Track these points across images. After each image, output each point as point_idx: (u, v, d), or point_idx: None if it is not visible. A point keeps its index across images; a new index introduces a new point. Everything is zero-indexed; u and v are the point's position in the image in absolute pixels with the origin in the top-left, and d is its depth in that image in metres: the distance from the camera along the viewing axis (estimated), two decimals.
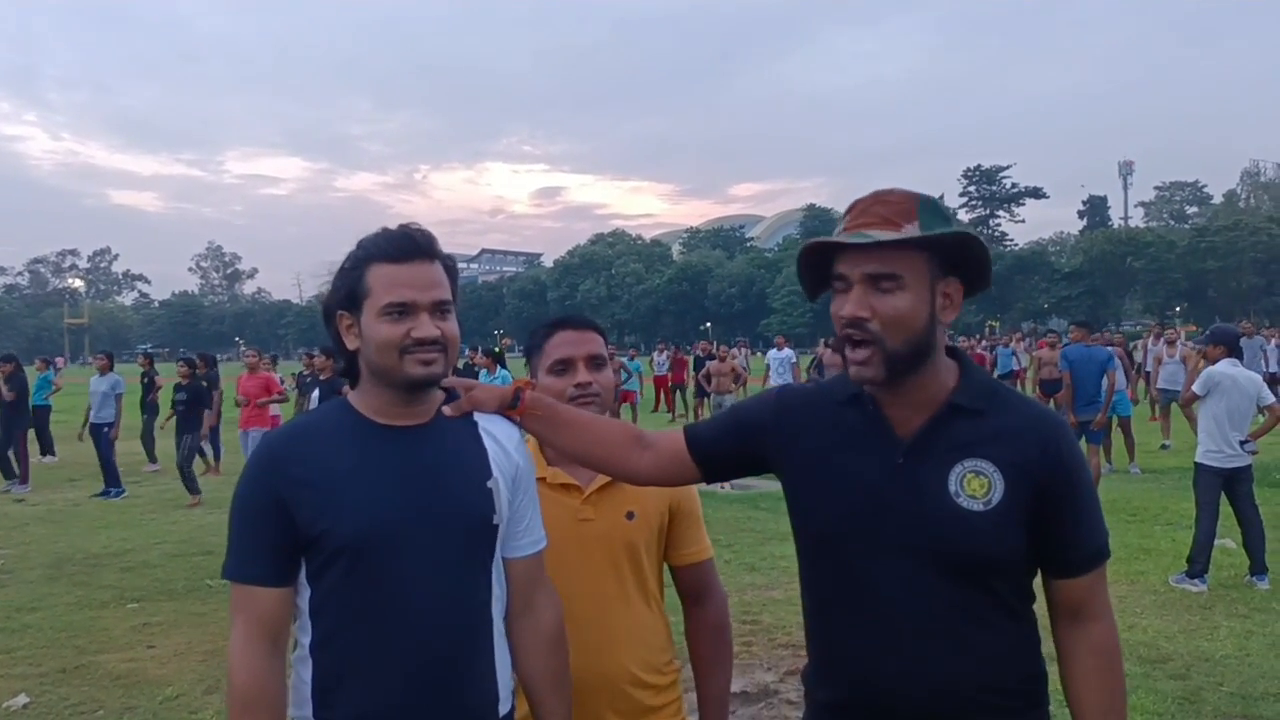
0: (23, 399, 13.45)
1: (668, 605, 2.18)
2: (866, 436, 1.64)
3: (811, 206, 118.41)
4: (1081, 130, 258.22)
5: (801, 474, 1.70)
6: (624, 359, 20.87)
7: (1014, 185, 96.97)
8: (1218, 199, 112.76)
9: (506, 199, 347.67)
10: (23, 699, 5.02)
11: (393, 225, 1.72)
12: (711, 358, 18.11)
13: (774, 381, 17.61)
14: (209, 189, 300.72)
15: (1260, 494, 7.09)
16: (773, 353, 19.08)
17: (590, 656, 1.98)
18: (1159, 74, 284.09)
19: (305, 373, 13.77)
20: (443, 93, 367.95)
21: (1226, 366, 6.81)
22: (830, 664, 1.70)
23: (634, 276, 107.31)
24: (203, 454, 13.34)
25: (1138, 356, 19.45)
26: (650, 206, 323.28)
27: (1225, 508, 6.79)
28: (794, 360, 18.56)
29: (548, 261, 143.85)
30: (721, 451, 1.80)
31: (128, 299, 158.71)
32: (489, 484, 1.72)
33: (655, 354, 23.53)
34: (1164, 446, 13.72)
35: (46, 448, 15.64)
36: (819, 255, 1.61)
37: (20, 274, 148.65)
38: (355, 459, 1.65)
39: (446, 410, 1.75)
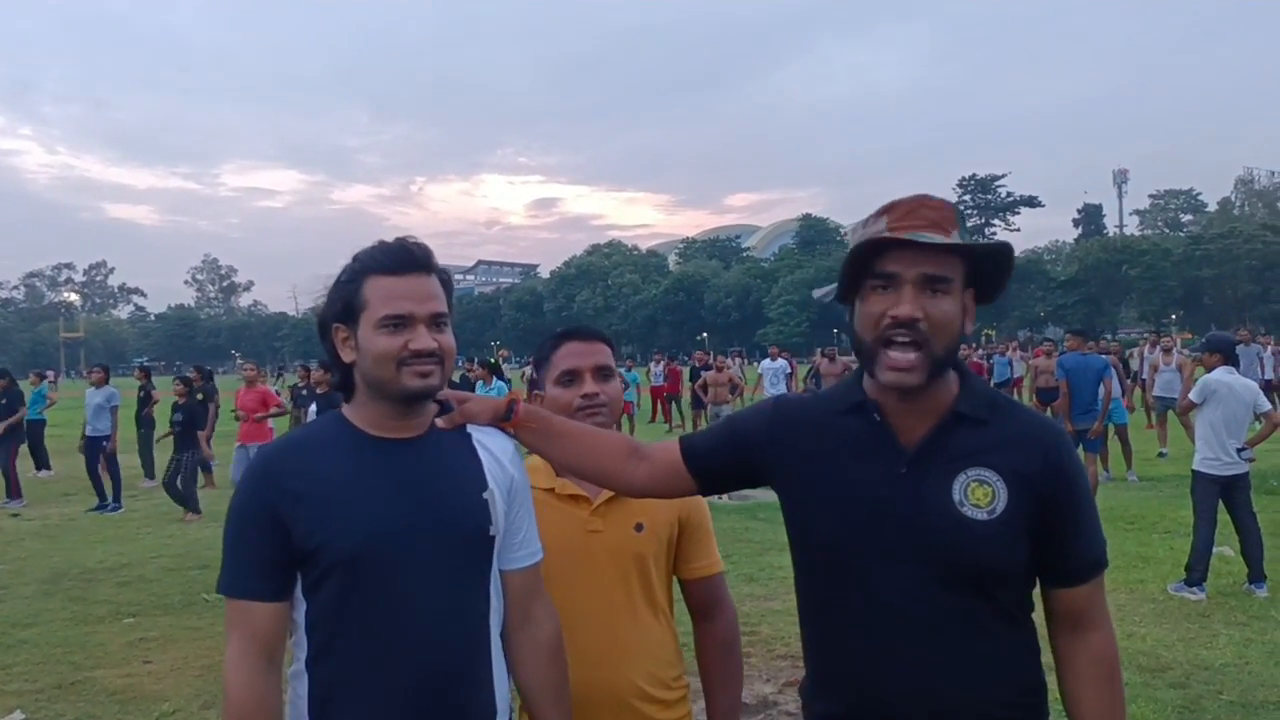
0: (16, 413, 13.40)
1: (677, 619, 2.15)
2: (869, 445, 1.63)
3: (807, 216, 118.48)
4: (1076, 139, 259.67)
5: (800, 485, 1.69)
6: (621, 369, 20.81)
7: (1009, 194, 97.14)
8: (1212, 207, 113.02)
9: (502, 210, 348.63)
10: (18, 715, 4.99)
11: (389, 237, 1.72)
12: (708, 368, 18.12)
13: (767, 391, 17.61)
14: (205, 202, 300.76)
15: (1258, 501, 7.09)
16: (766, 363, 19.08)
17: (597, 670, 1.97)
18: (1153, 82, 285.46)
19: (301, 386, 13.75)
20: (438, 105, 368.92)
21: (1223, 374, 6.82)
22: (830, 676, 1.69)
23: (630, 287, 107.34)
24: (208, 469, 13.30)
25: (1134, 365, 19.48)
26: (646, 217, 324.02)
27: (1223, 515, 6.79)
28: (788, 371, 18.54)
29: (544, 273, 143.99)
30: (717, 463, 1.79)
31: (124, 312, 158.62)
32: (484, 495, 1.71)
33: (652, 364, 23.52)
34: (1161, 454, 13.73)
35: (41, 462, 15.60)
36: (863, 253, 1.58)
37: (16, 288, 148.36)
38: (351, 472, 1.64)
39: (440, 422, 1.75)
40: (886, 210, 1.58)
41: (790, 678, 5.11)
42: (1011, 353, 25.04)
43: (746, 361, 36.67)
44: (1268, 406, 7.00)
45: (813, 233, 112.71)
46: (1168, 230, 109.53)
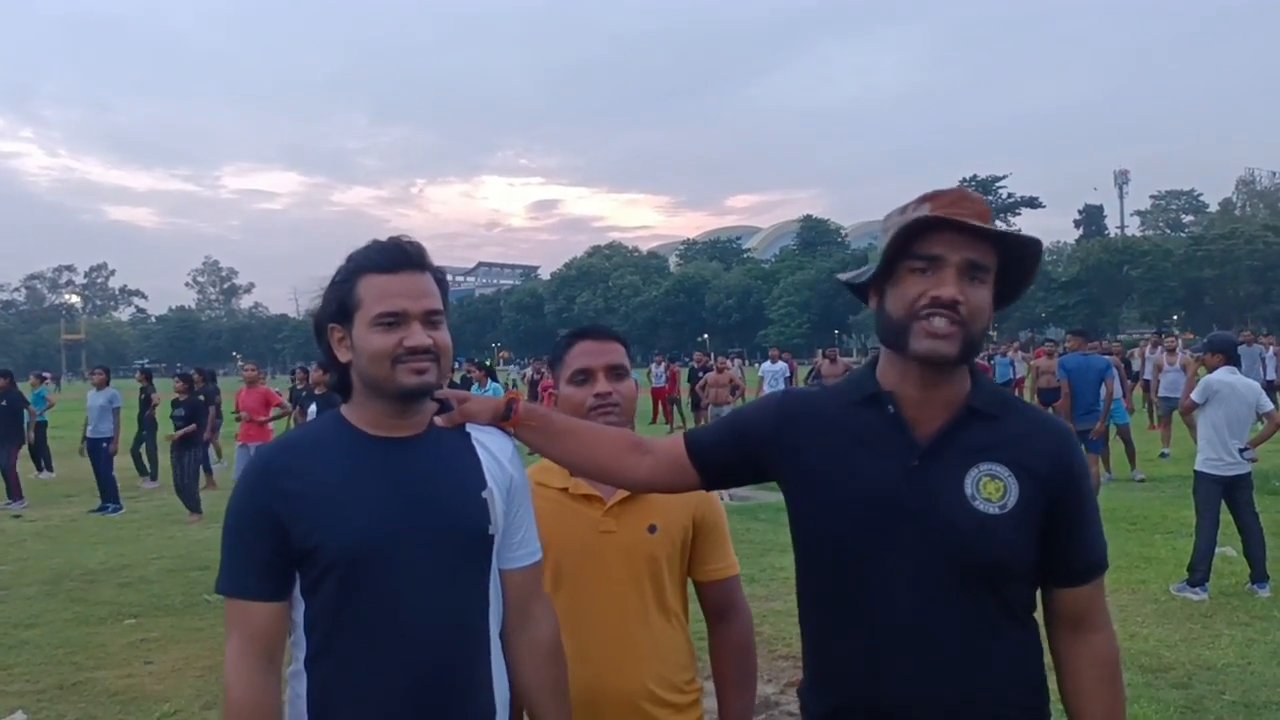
0: (17, 415, 13.41)
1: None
2: (882, 437, 1.61)
3: (808, 217, 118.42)
4: (1077, 140, 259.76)
5: (807, 479, 1.67)
6: None
7: (1010, 195, 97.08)
8: (1213, 207, 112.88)
9: (503, 212, 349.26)
10: (20, 716, 4.99)
11: (385, 239, 1.71)
12: (707, 369, 18.12)
13: (767, 393, 17.54)
14: (205, 204, 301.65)
15: (1260, 501, 7.08)
16: (766, 365, 19.05)
17: (608, 672, 1.96)
18: (1154, 83, 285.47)
19: (299, 387, 13.75)
20: (438, 107, 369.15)
21: (1225, 374, 6.81)
22: (830, 674, 1.68)
23: (631, 288, 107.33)
24: (208, 469, 13.30)
25: (1135, 365, 19.45)
26: (647, 219, 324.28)
27: (1225, 515, 6.78)
28: (788, 373, 18.51)
29: (545, 274, 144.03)
30: (722, 457, 1.77)
31: (125, 314, 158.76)
32: (483, 495, 1.71)
33: (653, 366, 23.53)
34: (1163, 455, 13.71)
35: (43, 464, 15.60)
36: (907, 235, 1.56)
37: (17, 290, 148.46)
38: (349, 472, 1.64)
39: (439, 421, 1.74)
40: (929, 198, 1.57)
41: (791, 678, 5.10)
42: (1013, 353, 25.00)
43: (746, 363, 36.67)
44: (1270, 407, 6.99)
45: (813, 234, 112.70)
46: (1169, 231, 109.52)
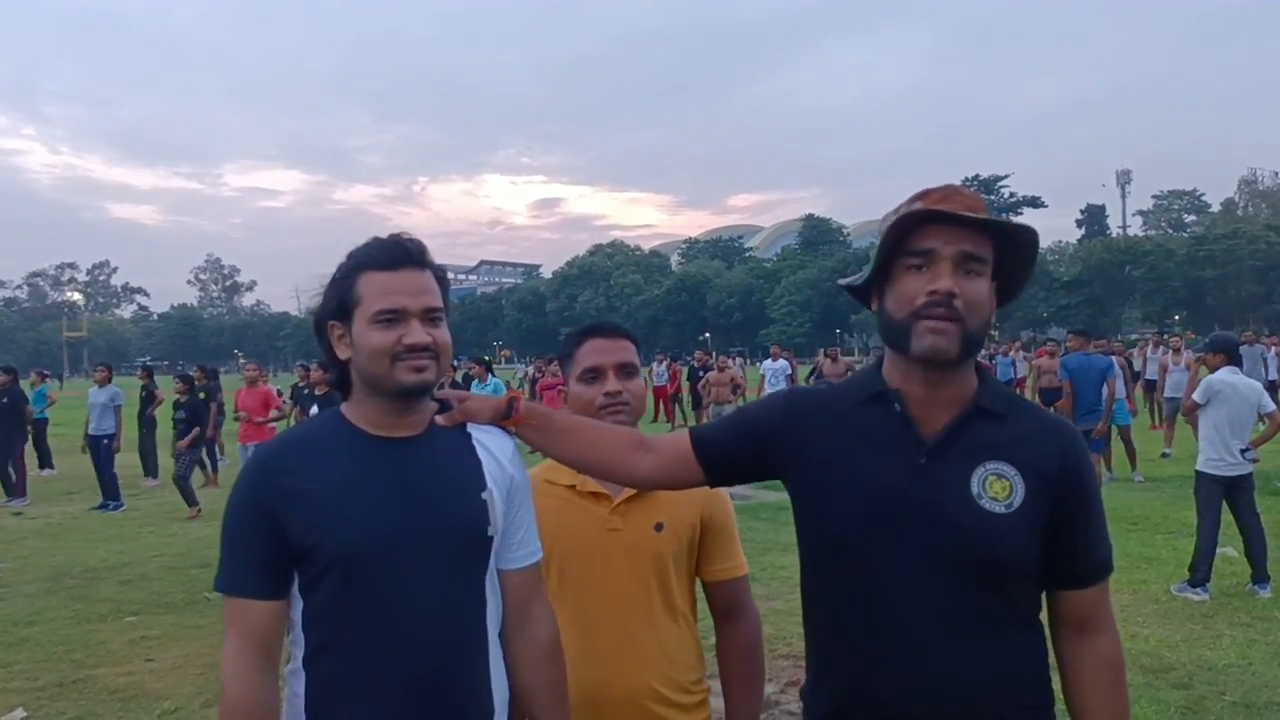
0: (19, 411, 13.42)
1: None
2: (888, 435, 1.61)
3: (810, 216, 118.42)
4: (1079, 139, 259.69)
5: (814, 476, 1.67)
6: None
7: (1012, 194, 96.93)
8: (1216, 207, 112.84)
9: (505, 211, 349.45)
10: (20, 713, 4.99)
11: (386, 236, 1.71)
12: (708, 369, 18.11)
13: (769, 392, 17.53)
14: (207, 202, 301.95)
15: (1261, 502, 7.07)
16: (767, 363, 19.03)
17: (613, 670, 1.95)
18: (1156, 83, 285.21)
19: (301, 385, 13.75)
20: (441, 105, 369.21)
21: (1226, 374, 6.80)
22: (833, 672, 1.67)
23: (633, 287, 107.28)
24: (202, 466, 13.31)
25: (1136, 365, 19.42)
26: (649, 217, 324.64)
27: (1226, 516, 6.78)
28: (789, 371, 18.49)
29: (546, 273, 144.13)
30: (728, 454, 1.76)
31: (127, 312, 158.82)
32: (483, 495, 1.70)
33: (655, 364, 23.53)
34: (1164, 455, 13.70)
35: (44, 461, 15.62)
36: (900, 231, 1.56)
37: (19, 287, 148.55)
38: (348, 471, 1.63)
39: (440, 420, 1.74)
40: (920, 196, 1.57)
41: (791, 677, 5.10)
42: (1014, 353, 24.98)
43: (748, 362, 36.64)
44: (1272, 407, 6.98)
45: (815, 233, 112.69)
46: (1171, 231, 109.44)
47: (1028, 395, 17.29)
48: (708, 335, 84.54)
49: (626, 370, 2.07)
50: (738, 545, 2.16)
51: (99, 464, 12.42)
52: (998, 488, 1.55)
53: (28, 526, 10.98)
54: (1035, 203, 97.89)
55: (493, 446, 1.77)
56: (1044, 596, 1.65)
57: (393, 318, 1.62)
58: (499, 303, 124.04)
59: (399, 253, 1.66)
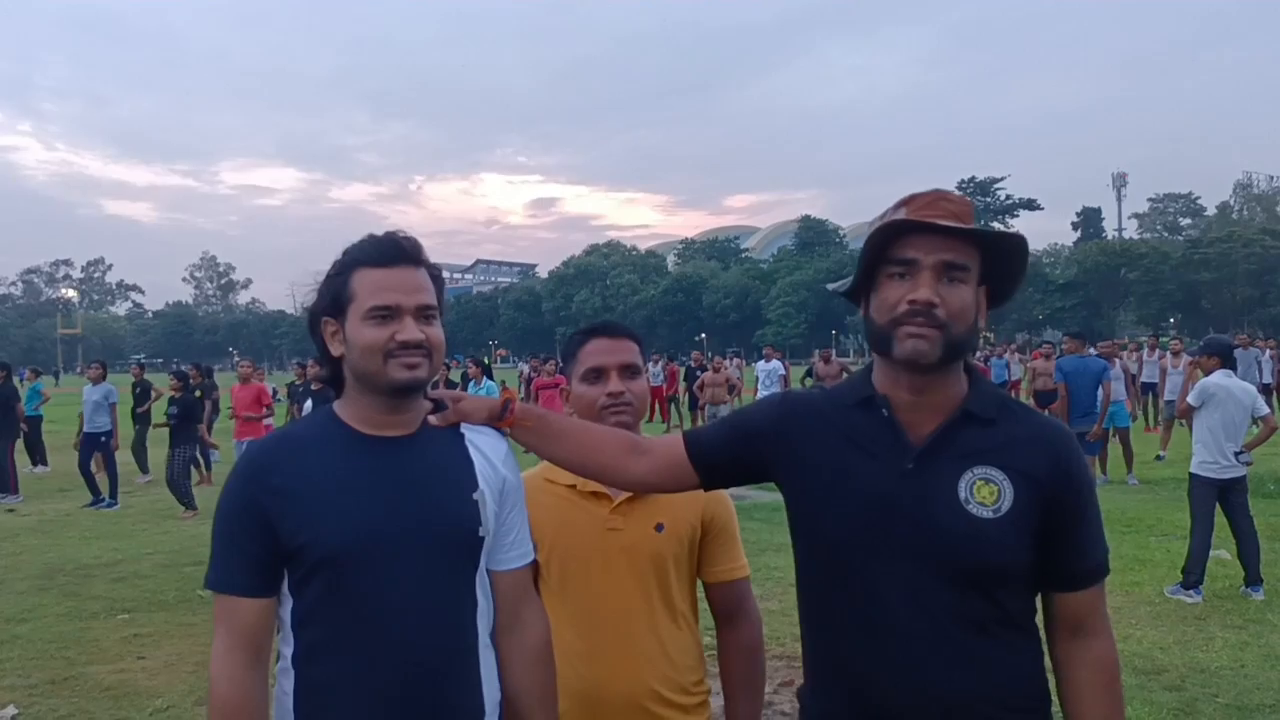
0: (11, 409, 13.39)
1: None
2: (876, 441, 1.61)
3: (806, 218, 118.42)
4: (1075, 142, 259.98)
5: (806, 480, 1.67)
6: None
7: (1008, 197, 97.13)
8: (1211, 211, 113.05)
9: (501, 210, 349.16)
10: (11, 710, 4.98)
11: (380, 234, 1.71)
12: (704, 369, 18.12)
13: (762, 394, 17.54)
14: (203, 199, 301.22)
15: (1255, 505, 7.10)
16: (760, 364, 19.04)
17: (612, 671, 1.94)
18: (1152, 87, 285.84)
19: (298, 382, 13.76)
20: (438, 105, 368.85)
21: (1221, 377, 6.82)
22: (830, 676, 1.67)
23: (629, 287, 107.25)
24: (197, 464, 13.29)
25: (1132, 368, 19.45)
26: (645, 218, 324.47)
27: (1220, 519, 6.79)
28: (782, 372, 18.50)
29: (543, 272, 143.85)
30: (722, 457, 1.76)
31: (121, 309, 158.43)
32: (475, 496, 1.70)
33: (650, 364, 23.50)
34: (1158, 457, 13.73)
35: (38, 458, 15.58)
36: (882, 239, 1.56)
37: (14, 284, 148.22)
38: (338, 470, 1.63)
39: (433, 420, 1.73)
40: (906, 202, 1.57)
41: (785, 678, 5.10)
42: (1009, 355, 25.02)
43: (745, 363, 36.59)
44: (1266, 410, 7.00)
45: (812, 234, 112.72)
46: (1166, 234, 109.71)
47: (1022, 398, 17.34)
48: (704, 336, 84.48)
49: (629, 371, 2.06)
50: (739, 547, 2.14)
51: (88, 462, 12.40)
52: (985, 493, 1.55)
53: (21, 523, 10.95)
54: (1031, 205, 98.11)
55: (485, 447, 1.77)
56: (1039, 599, 1.65)
57: (386, 314, 1.62)
58: (495, 302, 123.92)
59: (394, 250, 1.65)
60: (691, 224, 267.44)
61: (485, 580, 1.73)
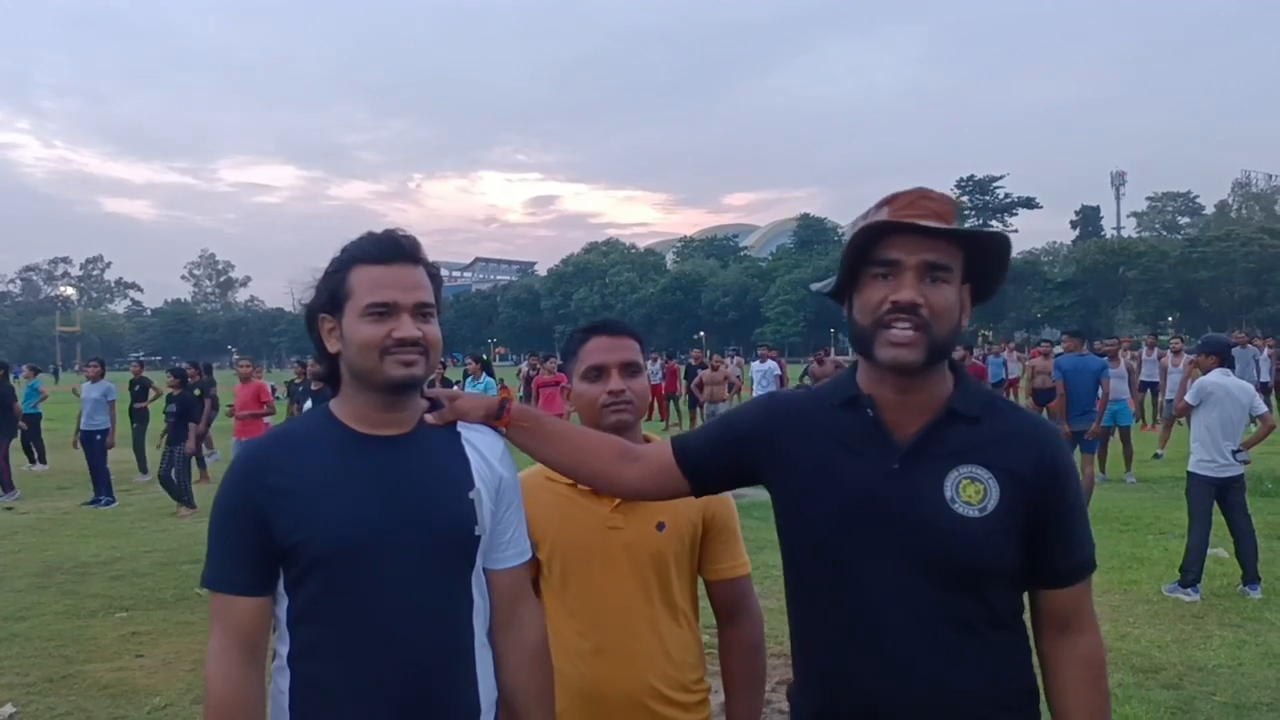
0: (8, 407, 13.38)
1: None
2: (862, 440, 1.61)
3: (805, 216, 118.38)
4: (1074, 141, 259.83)
5: (793, 480, 1.67)
6: None
7: (1007, 195, 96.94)
8: (1209, 210, 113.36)
9: (500, 208, 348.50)
10: (9, 708, 4.97)
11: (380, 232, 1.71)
12: (704, 367, 18.12)
13: (758, 394, 17.53)
14: (202, 197, 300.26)
15: (1252, 503, 7.10)
16: (756, 364, 19.05)
17: (612, 669, 1.94)
18: (1151, 85, 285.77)
19: (298, 381, 13.75)
20: (437, 102, 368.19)
21: (1219, 376, 6.83)
22: (817, 674, 1.68)
23: (628, 285, 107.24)
24: (200, 462, 13.27)
25: (1132, 366, 19.45)
26: (644, 215, 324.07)
27: (1218, 517, 6.80)
28: (778, 372, 18.50)
29: (542, 270, 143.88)
30: (711, 462, 1.77)
31: (120, 307, 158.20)
32: (470, 495, 1.70)
33: (649, 363, 23.47)
34: (1156, 456, 13.74)
35: (37, 456, 15.57)
36: (864, 240, 1.57)
37: (12, 281, 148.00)
38: (334, 468, 1.63)
39: (429, 418, 1.73)
40: (888, 201, 1.57)
41: (782, 676, 5.09)
42: (1007, 353, 25.00)
43: (744, 361, 36.61)
44: (1263, 409, 7.01)
45: (810, 233, 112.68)
46: (1165, 233, 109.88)
47: (1020, 396, 17.35)
48: (702, 334, 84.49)
49: (630, 369, 2.07)
50: (740, 545, 2.14)
51: (91, 459, 12.40)
52: (971, 491, 1.55)
53: (19, 521, 10.95)
54: (1030, 203, 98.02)
55: (482, 446, 1.77)
56: (1026, 596, 1.65)
57: (383, 311, 1.62)
58: (494, 300, 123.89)
59: (392, 248, 1.65)
60: (690, 222, 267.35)
61: (482, 579, 1.73)
